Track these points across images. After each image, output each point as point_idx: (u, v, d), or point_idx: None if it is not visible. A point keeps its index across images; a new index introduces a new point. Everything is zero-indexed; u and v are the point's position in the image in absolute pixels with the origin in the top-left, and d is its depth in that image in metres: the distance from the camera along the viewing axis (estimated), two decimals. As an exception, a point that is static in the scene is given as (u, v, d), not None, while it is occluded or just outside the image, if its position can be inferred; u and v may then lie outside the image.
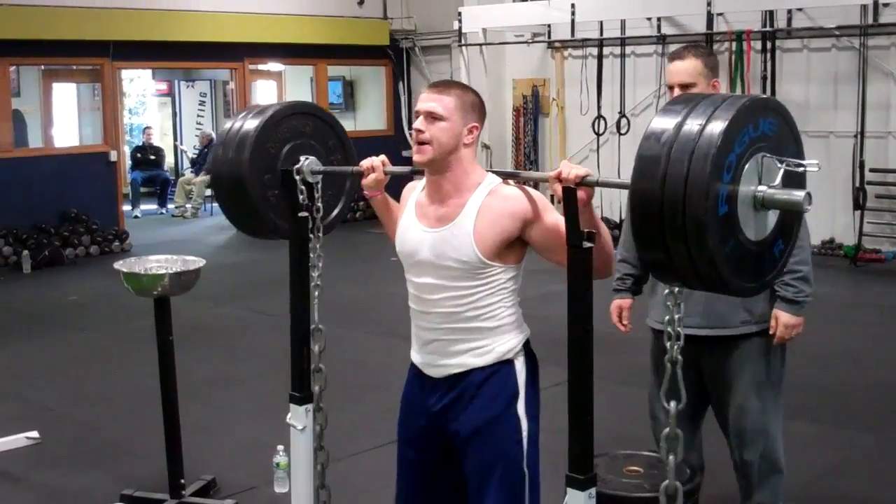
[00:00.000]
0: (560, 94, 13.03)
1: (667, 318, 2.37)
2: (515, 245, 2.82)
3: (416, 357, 3.06)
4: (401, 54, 14.95)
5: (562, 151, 13.08)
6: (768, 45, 10.47)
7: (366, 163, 3.09)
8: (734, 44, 10.65)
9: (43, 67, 13.56)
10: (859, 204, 10.00)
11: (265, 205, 3.16)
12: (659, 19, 11.46)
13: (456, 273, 2.83)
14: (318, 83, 14.67)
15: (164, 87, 18.49)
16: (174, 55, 13.00)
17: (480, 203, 2.81)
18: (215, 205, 15.86)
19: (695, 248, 2.05)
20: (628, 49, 12.01)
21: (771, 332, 3.56)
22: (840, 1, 9.72)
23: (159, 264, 4.47)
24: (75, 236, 11.51)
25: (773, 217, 2.19)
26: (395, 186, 3.11)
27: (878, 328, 7.82)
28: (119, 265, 4.36)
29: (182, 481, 4.49)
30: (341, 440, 5.42)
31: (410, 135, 2.89)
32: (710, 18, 10.34)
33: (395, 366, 6.90)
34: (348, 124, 15.49)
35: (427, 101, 2.83)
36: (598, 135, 11.93)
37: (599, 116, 11.86)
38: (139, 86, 18.47)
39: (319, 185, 3.21)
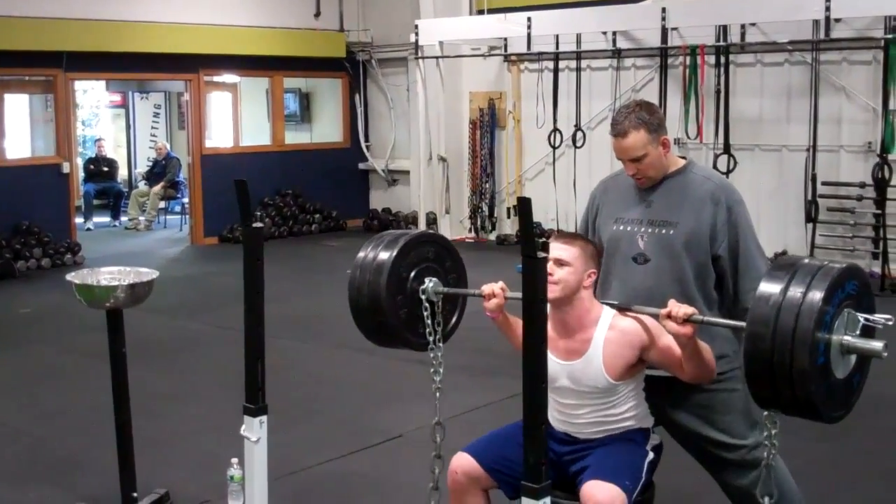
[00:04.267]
0: (516, 107, 13.07)
1: (764, 434, 2.78)
2: (637, 364, 3.34)
3: (550, 415, 3.38)
4: (357, 67, 14.94)
5: (518, 164, 13.13)
6: (722, 59, 10.56)
7: (486, 288, 3.47)
8: (688, 58, 10.74)
9: (-6, 78, 13.42)
10: (811, 217, 10.10)
11: (398, 321, 3.54)
12: (614, 33, 11.51)
13: (592, 393, 3.37)
14: (274, 95, 14.62)
15: (117, 98, 18.32)
16: (128, 66, 12.89)
17: (604, 339, 3.32)
18: (169, 217, 15.86)
19: (799, 390, 2.51)
20: (584, 63, 12.07)
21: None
22: (792, 16, 9.83)
23: (112, 276, 4.43)
24: (27, 249, 11.37)
25: (853, 358, 2.66)
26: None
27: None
28: (71, 277, 4.32)
29: (135, 495, 4.45)
30: (299, 452, 5.41)
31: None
32: (664, 33, 10.44)
33: (350, 378, 6.94)
34: (304, 137, 15.52)
35: (556, 248, 3.34)
36: (553, 148, 11.99)
37: (555, 129, 11.92)
38: (93, 97, 18.29)
39: (440, 303, 3.57)
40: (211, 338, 8.25)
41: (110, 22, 12.08)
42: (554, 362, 3.28)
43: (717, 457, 3.56)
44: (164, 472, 5.04)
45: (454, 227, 13.27)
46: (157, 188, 15.53)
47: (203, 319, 8.94)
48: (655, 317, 3.15)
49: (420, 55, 12.44)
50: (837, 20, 9.52)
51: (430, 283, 3.56)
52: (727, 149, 10.30)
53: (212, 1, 13.24)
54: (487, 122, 13.35)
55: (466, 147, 13.54)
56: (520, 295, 3.44)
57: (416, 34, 12.31)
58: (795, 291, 2.52)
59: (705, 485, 3.83)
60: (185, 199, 14.91)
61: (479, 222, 13.44)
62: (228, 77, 15.28)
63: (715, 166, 9.96)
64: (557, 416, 3.47)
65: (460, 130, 13.53)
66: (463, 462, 3.44)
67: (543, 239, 2.74)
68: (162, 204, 15.82)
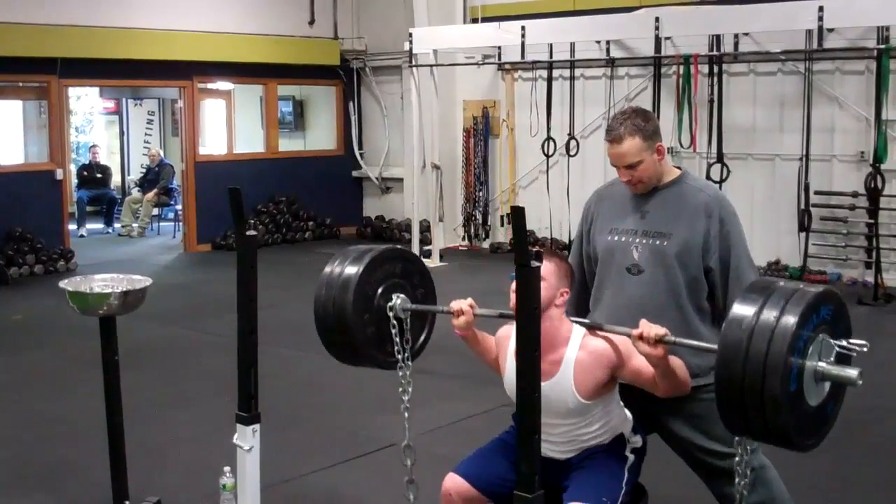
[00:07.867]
0: (510, 115, 13.09)
1: (736, 459, 2.76)
2: (609, 383, 3.31)
3: None
4: (351, 74, 14.94)
5: (512, 172, 13.14)
6: (715, 68, 10.58)
7: (455, 305, 3.44)
8: (682, 67, 10.76)
9: (-12, 84, 13.42)
10: (804, 226, 10.11)
11: (365, 341, 3.45)
12: (608, 42, 11.54)
13: (565, 412, 3.31)
14: (268, 103, 14.62)
15: (111, 105, 18.32)
16: (122, 73, 12.88)
17: (574, 360, 3.27)
18: (162, 224, 15.84)
19: (770, 417, 2.43)
20: (577, 72, 12.10)
21: None
22: (786, 26, 9.85)
23: (105, 283, 4.41)
24: (20, 255, 11.36)
25: (827, 385, 2.56)
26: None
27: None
28: (64, 284, 4.30)
29: (127, 503, 4.43)
30: (291, 461, 5.40)
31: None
32: (658, 42, 10.45)
33: (343, 386, 6.93)
34: (298, 144, 15.52)
35: None
36: (547, 156, 12.00)
37: (549, 138, 11.93)
38: (86, 104, 18.28)
39: (408, 320, 3.49)
40: (204, 345, 8.24)
41: (104, 29, 12.08)
42: None
43: (709, 465, 3.57)
44: (156, 480, 5.04)
45: (448, 235, 13.27)
46: (151, 195, 15.52)
47: (196, 327, 8.93)
48: (627, 336, 3.08)
49: (414, 63, 12.42)
50: (830, 30, 9.54)
51: (397, 299, 3.47)
52: (720, 158, 10.32)
53: (206, 8, 13.24)
54: (481, 131, 13.36)
55: (460, 155, 13.56)
56: (487, 312, 3.45)
57: (411, 42, 12.29)
58: (769, 315, 2.44)
59: (698, 492, 3.82)
60: (179, 206, 14.90)
61: (472, 230, 13.46)
62: (222, 84, 15.29)
63: (708, 175, 9.99)
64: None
65: (454, 138, 13.54)
66: (457, 484, 3.42)
67: (537, 248, 2.72)
68: (155, 211, 15.81)
